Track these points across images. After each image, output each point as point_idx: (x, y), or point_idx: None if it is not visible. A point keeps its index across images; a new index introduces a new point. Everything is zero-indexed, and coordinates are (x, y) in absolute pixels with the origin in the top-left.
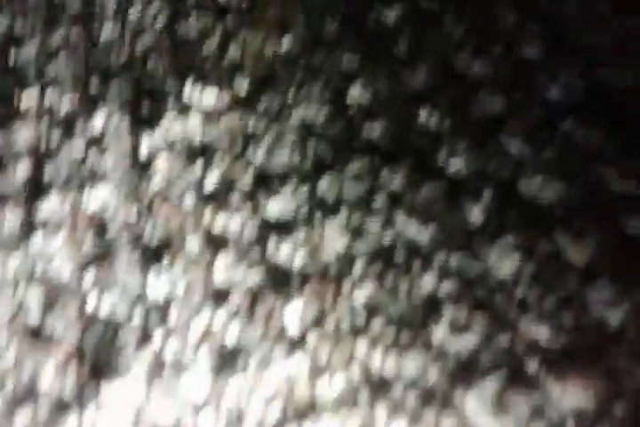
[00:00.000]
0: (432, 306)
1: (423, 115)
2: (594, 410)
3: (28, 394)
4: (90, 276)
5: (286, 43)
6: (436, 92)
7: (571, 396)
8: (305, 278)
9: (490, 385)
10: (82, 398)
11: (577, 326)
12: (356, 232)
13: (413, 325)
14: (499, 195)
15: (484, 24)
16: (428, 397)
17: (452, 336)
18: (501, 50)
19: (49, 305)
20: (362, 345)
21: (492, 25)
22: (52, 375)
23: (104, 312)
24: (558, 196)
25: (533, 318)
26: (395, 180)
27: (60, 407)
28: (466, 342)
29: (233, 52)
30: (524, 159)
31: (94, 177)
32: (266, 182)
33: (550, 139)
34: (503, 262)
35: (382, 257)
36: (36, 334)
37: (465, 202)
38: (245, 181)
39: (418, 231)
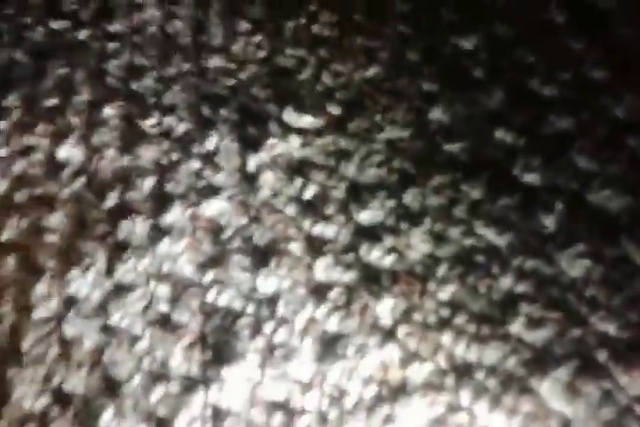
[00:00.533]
0: (509, 303)
1: (499, 133)
2: None
3: (160, 374)
4: (209, 274)
5: (373, 70)
6: (511, 112)
7: (637, 383)
8: (394, 278)
9: (563, 373)
10: (206, 378)
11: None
12: (439, 239)
13: (493, 320)
14: (569, 206)
15: (554, 50)
16: (507, 382)
17: (528, 330)
18: (570, 73)
19: (175, 299)
20: (447, 337)
21: (560, 51)
22: (180, 358)
23: (222, 305)
24: (624, 206)
25: (603, 315)
26: (473, 192)
27: (188, 386)
28: (541, 335)
29: (326, 78)
30: (592, 173)
31: (210, 190)
32: (357, 194)
33: (616, 154)
34: (574, 266)
35: (464, 260)
36: (165, 324)
37: (538, 212)
38: (339, 193)
39: (496, 238)
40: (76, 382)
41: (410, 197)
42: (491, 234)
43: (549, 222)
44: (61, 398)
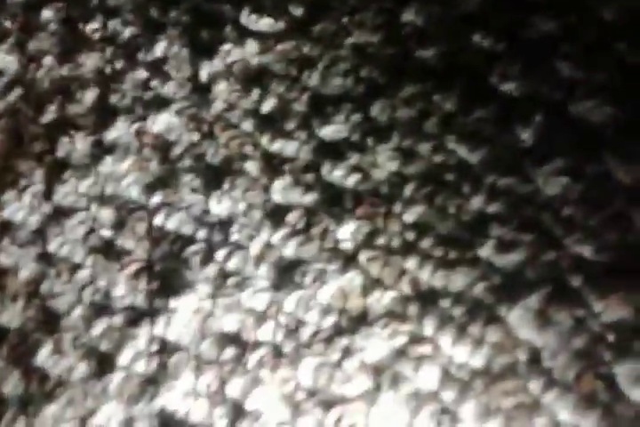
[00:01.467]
0: (480, 225)
1: (476, 38)
2: (633, 323)
3: (103, 306)
4: (156, 196)
5: None
6: (490, 14)
7: (612, 310)
8: (357, 199)
9: (534, 300)
10: (152, 309)
11: (621, 244)
12: (407, 156)
13: (461, 243)
14: (549, 117)
15: None
16: (474, 311)
17: (499, 254)
18: None
19: (119, 224)
20: (412, 262)
21: None
22: (125, 288)
23: (170, 230)
24: (608, 118)
25: (579, 237)
26: (446, 103)
27: (133, 318)
28: (512, 259)
29: None
30: (576, 81)
31: (158, 102)
32: (320, 107)
33: (602, 60)
34: (551, 183)
35: (433, 179)
36: (109, 250)
37: (515, 124)
38: (300, 106)
39: (468, 154)
40: (12, 316)
41: (377, 110)
42: (463, 150)
43: (526, 136)
44: None
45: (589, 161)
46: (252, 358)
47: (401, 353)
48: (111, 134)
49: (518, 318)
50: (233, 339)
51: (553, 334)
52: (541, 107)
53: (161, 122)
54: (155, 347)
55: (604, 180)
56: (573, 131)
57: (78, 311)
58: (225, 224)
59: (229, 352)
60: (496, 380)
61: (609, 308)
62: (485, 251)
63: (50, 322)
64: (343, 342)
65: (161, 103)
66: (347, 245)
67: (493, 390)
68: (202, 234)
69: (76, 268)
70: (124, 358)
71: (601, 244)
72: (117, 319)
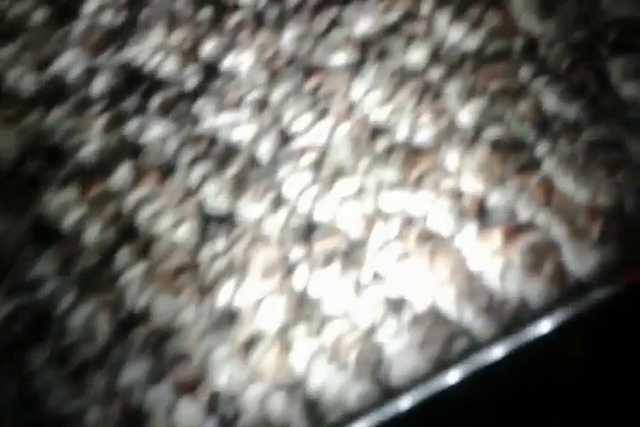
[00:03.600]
0: None
1: None
2: (637, 22)
3: None
4: None
5: None
6: None
7: (619, 7)
8: None
9: None
10: None
11: None
12: None
13: None
14: None
15: None
16: None
17: None
18: None
19: None
20: None
21: None
22: None
23: None
24: None
25: None
26: None
27: None
28: None
29: None
30: None
31: None
32: None
33: None
34: None
35: None
36: None
37: None
38: None
39: None
40: None
41: None
42: None
43: None
44: None
45: None
46: (231, 20)
47: (392, 29)
48: None
49: (521, 4)
50: (211, 0)
51: (554, 24)
52: None
53: None
54: (123, 0)
55: None
56: None
57: None
58: None
59: (206, 12)
60: (486, 63)
61: (616, 5)
62: None
63: None
64: (332, 12)
65: None
66: None
67: (482, 72)
68: None
69: None
70: (88, 8)
71: None
72: None
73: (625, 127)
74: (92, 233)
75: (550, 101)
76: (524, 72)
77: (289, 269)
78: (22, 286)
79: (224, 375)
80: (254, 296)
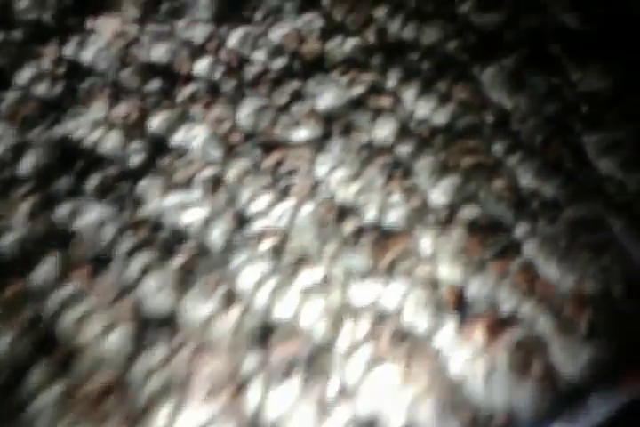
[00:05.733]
0: None
1: None
2: (609, 94)
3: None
4: None
5: None
6: None
7: (589, 80)
8: None
9: (509, 61)
10: (63, 27)
11: (607, 16)
12: None
13: None
14: None
15: None
16: (444, 66)
17: (478, 12)
18: None
19: None
20: (381, 11)
21: None
22: (30, 1)
23: None
24: None
25: (565, 4)
26: None
27: (38, 35)
28: (491, 19)
29: None
30: None
31: None
32: None
33: None
34: None
35: None
36: None
37: None
38: None
39: None
40: None
41: None
42: None
43: None
44: None
45: None
46: (183, 92)
47: (357, 103)
48: None
49: (491, 77)
50: (161, 70)
51: (525, 98)
52: None
53: None
54: (62, 69)
55: None
56: None
57: None
58: None
59: (155, 84)
60: (457, 138)
61: (586, 78)
62: (464, 7)
63: None
64: (293, 85)
65: None
66: None
67: (453, 148)
68: None
69: None
70: (21, 77)
71: (586, 14)
72: (17, 34)
73: (606, 205)
74: (2, 346)
75: (526, 179)
76: (498, 147)
77: (240, 386)
78: None
79: None
80: (196, 422)
